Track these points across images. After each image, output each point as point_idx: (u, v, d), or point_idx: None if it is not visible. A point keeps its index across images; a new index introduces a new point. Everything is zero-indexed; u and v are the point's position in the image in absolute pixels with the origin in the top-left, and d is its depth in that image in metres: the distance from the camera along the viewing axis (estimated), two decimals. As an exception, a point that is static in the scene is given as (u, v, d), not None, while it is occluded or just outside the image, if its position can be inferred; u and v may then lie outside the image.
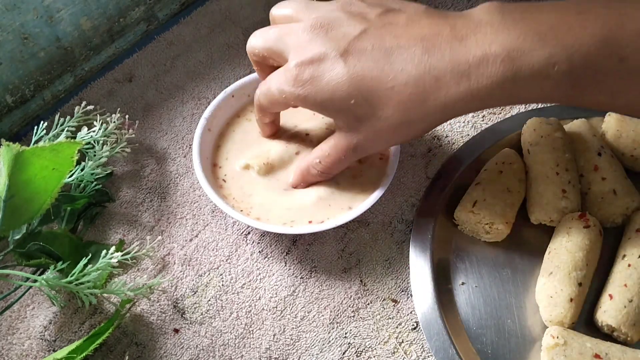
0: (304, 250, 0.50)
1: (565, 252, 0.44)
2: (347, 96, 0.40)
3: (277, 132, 0.51)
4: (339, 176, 0.49)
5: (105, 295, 0.47)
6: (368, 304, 0.47)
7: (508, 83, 0.37)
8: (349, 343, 0.45)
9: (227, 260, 0.50)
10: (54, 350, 0.46)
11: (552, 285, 0.43)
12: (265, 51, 0.45)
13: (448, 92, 0.38)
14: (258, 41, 0.45)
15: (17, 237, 0.47)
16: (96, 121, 0.52)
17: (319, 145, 0.46)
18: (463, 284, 0.47)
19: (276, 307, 0.47)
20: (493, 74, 0.37)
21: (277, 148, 0.50)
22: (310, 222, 0.47)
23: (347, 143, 0.44)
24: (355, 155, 0.45)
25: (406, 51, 0.39)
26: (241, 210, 0.47)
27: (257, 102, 0.47)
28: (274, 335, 0.46)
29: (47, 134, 0.51)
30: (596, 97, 0.38)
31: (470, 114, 0.56)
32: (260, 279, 0.49)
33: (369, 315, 0.46)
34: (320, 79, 0.41)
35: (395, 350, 0.45)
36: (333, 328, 0.46)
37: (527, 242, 0.48)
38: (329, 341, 0.45)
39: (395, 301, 0.47)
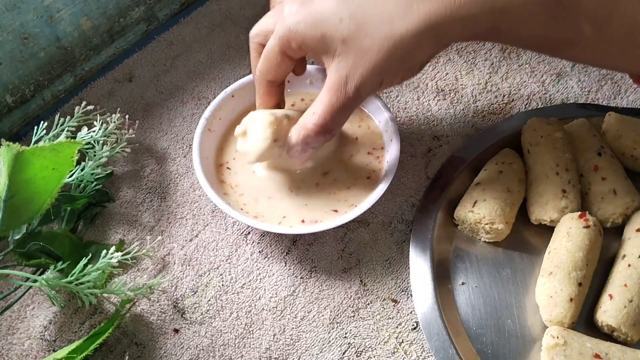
0: (304, 250, 0.50)
1: (565, 252, 0.44)
2: (334, 15, 0.41)
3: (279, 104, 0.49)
4: (336, 172, 0.49)
5: (105, 295, 0.47)
6: (368, 304, 0.47)
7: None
8: (349, 343, 0.45)
9: (227, 260, 0.50)
10: (54, 350, 0.46)
11: (552, 285, 0.43)
12: (264, 33, 0.45)
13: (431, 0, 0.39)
14: (259, 27, 0.46)
15: (17, 237, 0.47)
16: (96, 121, 0.52)
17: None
18: (463, 284, 0.47)
19: (276, 307, 0.47)
20: None
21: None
22: (302, 221, 0.47)
23: (338, 76, 0.42)
24: (347, 91, 0.43)
25: None
26: (241, 209, 0.48)
27: (259, 70, 0.47)
28: (274, 335, 0.46)
29: (47, 134, 0.51)
30: (580, 26, 0.38)
31: (471, 114, 0.56)
32: (260, 279, 0.49)
33: (369, 315, 0.46)
34: (310, 3, 0.42)
35: (395, 350, 0.45)
36: (333, 328, 0.46)
37: (527, 242, 0.48)
38: (329, 341, 0.45)
39: (395, 301, 0.47)
